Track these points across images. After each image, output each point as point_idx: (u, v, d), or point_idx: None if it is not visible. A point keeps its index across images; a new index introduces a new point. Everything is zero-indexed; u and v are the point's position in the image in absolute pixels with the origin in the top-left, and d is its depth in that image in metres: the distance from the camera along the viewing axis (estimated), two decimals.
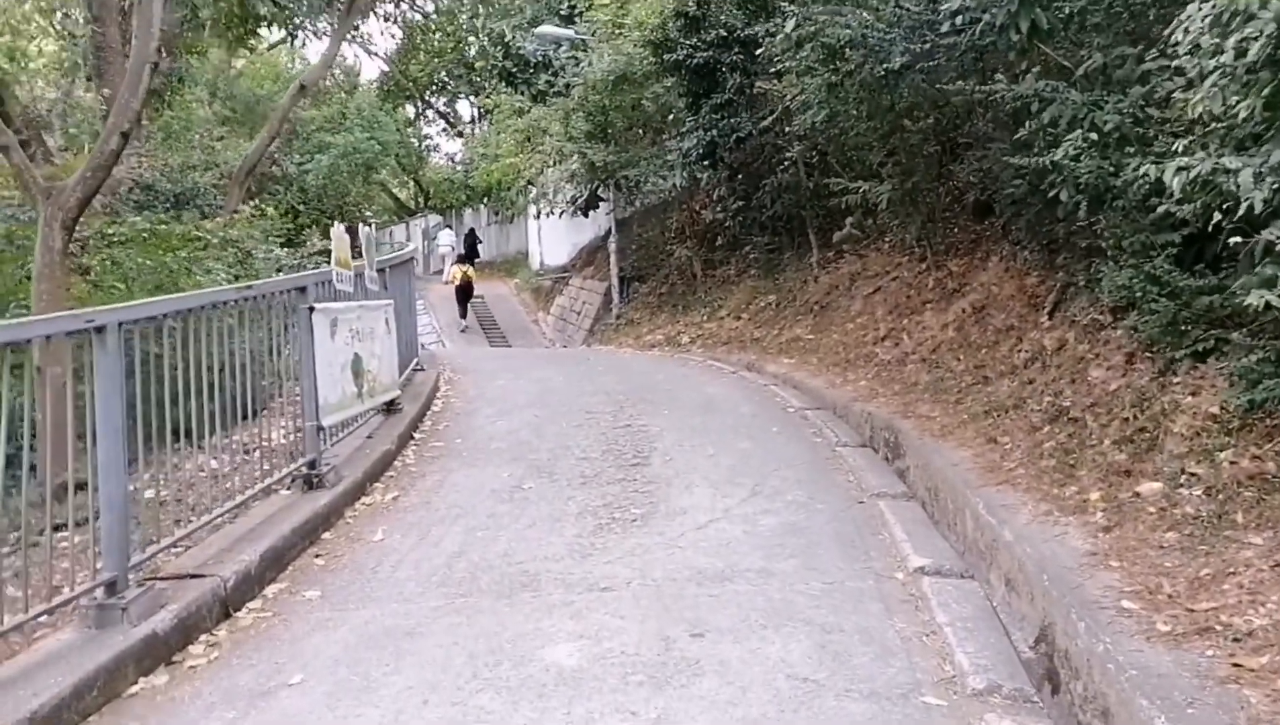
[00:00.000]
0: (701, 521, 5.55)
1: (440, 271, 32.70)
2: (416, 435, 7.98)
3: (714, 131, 14.06)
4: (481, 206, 37.52)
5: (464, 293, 24.79)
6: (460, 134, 38.58)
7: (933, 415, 7.23)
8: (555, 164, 20.47)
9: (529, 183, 22.95)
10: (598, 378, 10.56)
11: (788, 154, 13.53)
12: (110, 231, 8.38)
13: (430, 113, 45.39)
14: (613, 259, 19.70)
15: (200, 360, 5.00)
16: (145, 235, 8.64)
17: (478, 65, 27.19)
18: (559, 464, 6.93)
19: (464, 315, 25.13)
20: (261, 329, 6.05)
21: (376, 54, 38.97)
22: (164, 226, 9.21)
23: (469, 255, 29.16)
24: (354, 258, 7.61)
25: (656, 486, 6.25)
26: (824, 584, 4.55)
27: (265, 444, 5.96)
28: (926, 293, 10.06)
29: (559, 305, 23.53)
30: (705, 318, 15.67)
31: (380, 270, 8.22)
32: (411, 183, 47.89)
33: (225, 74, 27.59)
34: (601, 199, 20.24)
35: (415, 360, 10.22)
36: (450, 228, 35.50)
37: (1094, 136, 5.78)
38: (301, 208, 33.09)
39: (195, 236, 9.21)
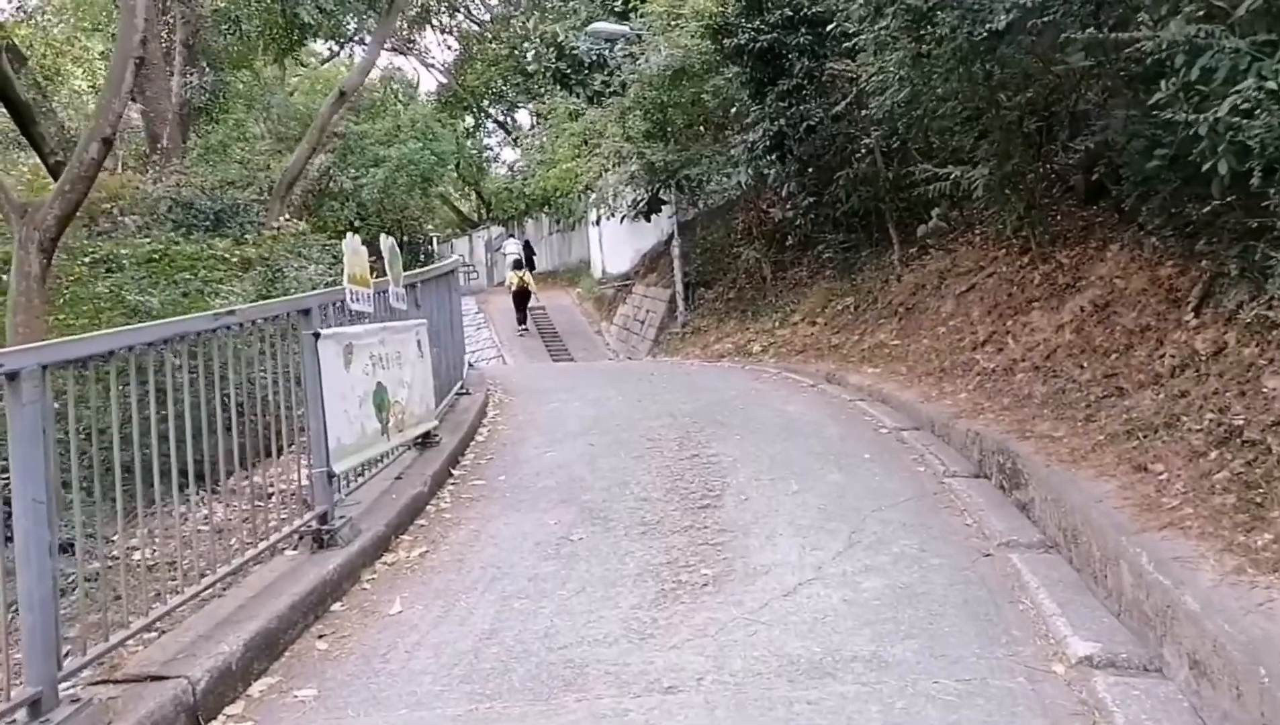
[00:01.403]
0: (789, 584, 4.47)
1: (504, 282, 32.11)
2: (455, 472, 7.01)
3: (781, 121, 12.96)
4: (542, 216, 36.80)
5: (521, 298, 24.66)
6: (516, 142, 37.92)
7: (1057, 435, 6.06)
8: (614, 167, 19.55)
9: (587, 188, 22.07)
10: (661, 396, 9.51)
11: (863, 142, 12.37)
12: (113, 253, 7.63)
13: (489, 123, 44.88)
14: (676, 264, 18.67)
15: (187, 397, 4.07)
16: (155, 256, 7.87)
17: (532, 70, 26.38)
18: (615, 506, 5.89)
19: (521, 321, 24.92)
20: (265, 361, 5.12)
21: (434, 66, 38.44)
22: (176, 246, 8.43)
23: (529, 265, 28.81)
24: (380, 273, 6.68)
25: (731, 536, 5.18)
26: (959, 684, 3.44)
27: (266, 496, 5.04)
28: (1032, 290, 8.83)
29: (622, 314, 22.57)
30: (777, 324, 14.55)
31: (410, 285, 7.28)
32: (473, 194, 47.41)
33: (278, 90, 27.18)
34: (663, 202, 19.27)
35: (460, 383, 9.28)
36: (514, 237, 34.81)
37: (1273, 87, 4.58)
38: (359, 223, 32.74)
39: (210, 256, 8.42)
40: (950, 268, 10.98)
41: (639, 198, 19.52)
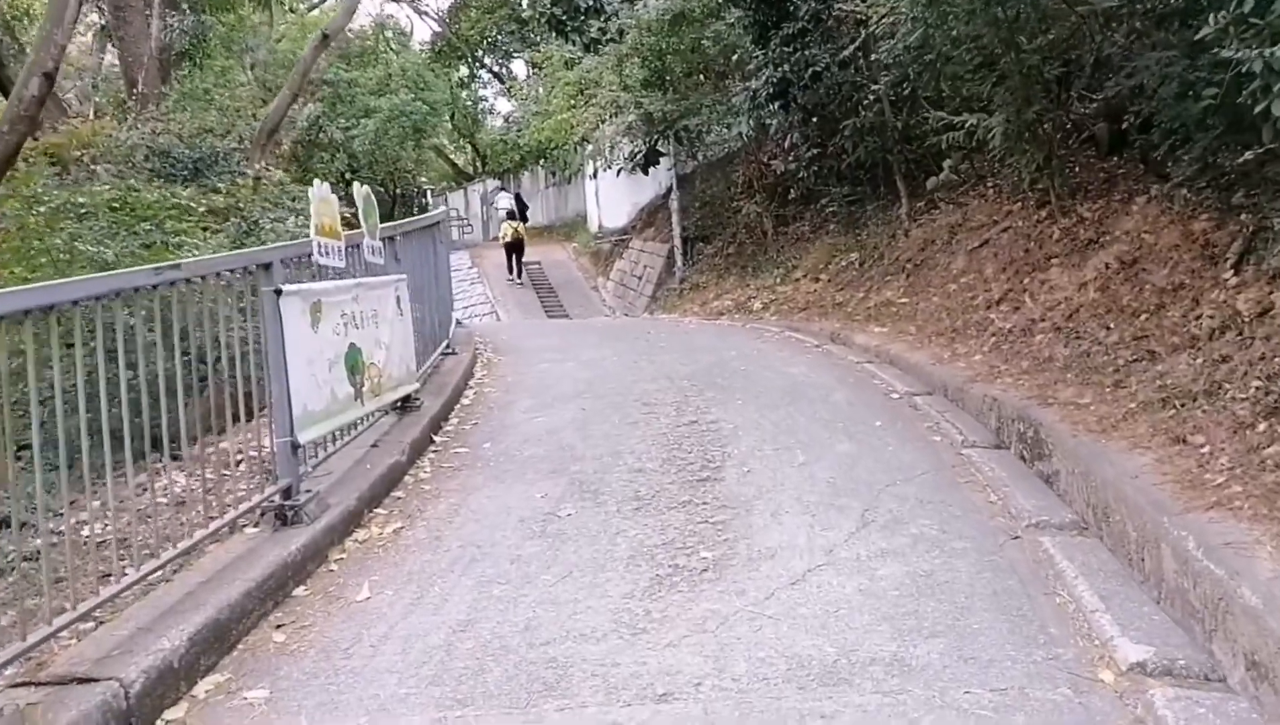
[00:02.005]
0: (797, 571, 4.03)
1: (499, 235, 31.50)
2: (437, 438, 6.55)
3: (785, 67, 12.36)
4: (538, 169, 36.07)
5: (513, 249, 24.40)
6: (511, 92, 37.04)
7: (1083, 402, 5.62)
8: (610, 117, 18.92)
9: (583, 140, 21.44)
10: (658, 356, 9.04)
11: (871, 90, 11.80)
12: (71, 201, 7.12)
13: (484, 73, 43.92)
14: (674, 218, 18.13)
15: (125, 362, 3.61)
16: (115, 205, 7.36)
17: (527, 17, 25.61)
18: (607, 478, 5.45)
19: (515, 272, 24.66)
20: (229, 319, 4.64)
21: (427, 13, 37.45)
22: (136, 194, 7.90)
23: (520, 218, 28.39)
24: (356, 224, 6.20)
25: (733, 513, 4.74)
26: (994, 695, 3.00)
27: (236, 463, 4.59)
28: (1051, 245, 8.34)
29: (619, 270, 22.04)
30: (778, 280, 14.06)
31: (389, 238, 6.78)
32: (468, 147, 46.54)
33: (265, 37, 26.37)
34: (661, 154, 18.68)
35: (446, 342, 8.80)
36: (505, 190, 34.09)
37: None
38: (350, 175, 32.06)
39: (174, 205, 7.89)
40: (961, 222, 10.47)
41: (636, 150, 18.93)
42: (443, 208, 10.74)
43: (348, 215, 6.27)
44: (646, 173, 20.29)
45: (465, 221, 37.29)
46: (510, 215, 24.99)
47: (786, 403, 6.85)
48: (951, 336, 8.37)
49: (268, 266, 4.77)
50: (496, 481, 5.60)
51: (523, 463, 5.90)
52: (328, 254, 5.44)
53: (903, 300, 10.25)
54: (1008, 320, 7.89)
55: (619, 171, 20.94)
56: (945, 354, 7.91)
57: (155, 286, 3.97)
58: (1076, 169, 9.25)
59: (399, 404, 6.64)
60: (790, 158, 14.21)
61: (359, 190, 6.13)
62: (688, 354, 9.07)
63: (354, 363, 5.64)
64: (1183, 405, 5.01)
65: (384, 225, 6.79)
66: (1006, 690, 3.01)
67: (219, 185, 9.99)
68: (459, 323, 10.69)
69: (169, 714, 3.38)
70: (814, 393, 7.14)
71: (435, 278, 8.59)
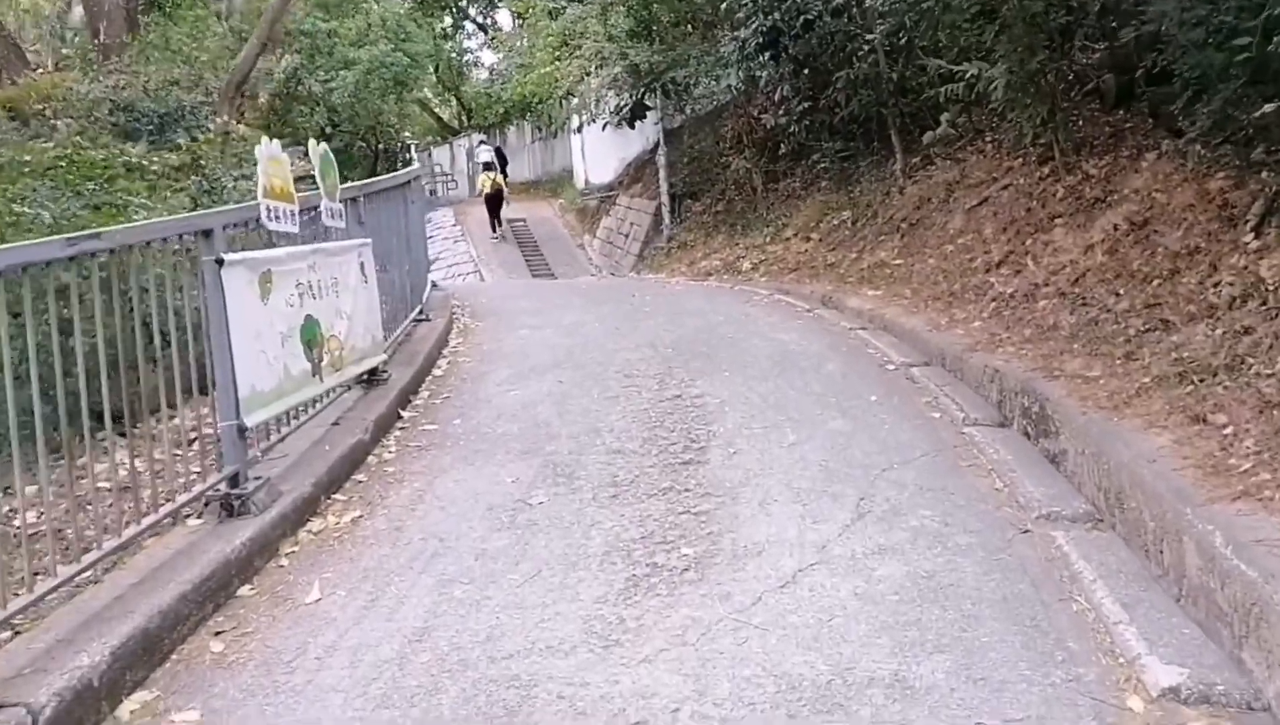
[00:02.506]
0: (787, 571, 3.67)
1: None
2: (405, 414, 6.17)
3: (775, 16, 11.87)
4: (524, 123, 35.35)
5: (493, 202, 23.86)
6: (495, 43, 36.21)
7: (1091, 375, 5.26)
8: (595, 70, 18.37)
9: (568, 93, 20.88)
10: (642, 322, 8.65)
11: (865, 39, 11.31)
12: (15, 159, 6.65)
13: (468, 24, 43.01)
14: (662, 174, 17.64)
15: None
16: (60, 163, 6.88)
17: None
18: (584, 460, 5.07)
19: (495, 225, 24.22)
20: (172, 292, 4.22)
21: None
22: (84, 152, 7.42)
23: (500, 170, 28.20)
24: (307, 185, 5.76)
25: (717, 502, 4.37)
26: None
27: (188, 442, 4.20)
28: (1055, 204, 7.94)
29: (605, 227, 21.55)
30: (768, 239, 13.63)
31: (350, 199, 6.34)
32: (453, 100, 45.66)
33: None
34: (648, 107, 18.14)
35: (419, 308, 8.39)
36: (486, 143, 33.41)
37: None
38: (330, 130, 31.32)
39: (121, 163, 7.41)
40: (959, 179, 10.05)
41: (623, 103, 18.38)
42: (416, 165, 10.22)
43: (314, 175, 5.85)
44: (633, 127, 19.76)
45: (450, 177, 36.64)
46: (488, 166, 24.41)
47: (776, 374, 6.47)
48: (949, 301, 7.99)
49: (208, 233, 4.35)
50: (465, 463, 5.22)
51: (495, 442, 5.52)
52: (279, 218, 5.01)
53: (897, 261, 9.85)
54: (1008, 284, 7.51)
55: (605, 126, 20.39)
56: (942, 320, 7.54)
57: (72, 259, 3.54)
58: (1080, 123, 8.83)
59: (364, 377, 6.25)
60: (781, 111, 13.73)
61: (314, 147, 5.68)
62: (673, 319, 8.68)
63: (311, 336, 5.25)
64: (1201, 381, 4.65)
65: (348, 185, 6.36)
66: (1022, 722, 2.66)
67: (179, 141, 9.48)
68: (435, 286, 10.26)
69: None
70: (805, 362, 6.76)
71: (406, 240, 8.16)
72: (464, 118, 44.91)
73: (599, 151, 24.16)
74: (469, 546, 4.15)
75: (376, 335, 6.36)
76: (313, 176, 5.96)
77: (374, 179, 7.75)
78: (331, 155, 5.89)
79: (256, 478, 4.49)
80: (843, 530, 3.97)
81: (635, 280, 14.83)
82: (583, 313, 9.32)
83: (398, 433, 5.84)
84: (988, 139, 10.52)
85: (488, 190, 23.73)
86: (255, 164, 5.17)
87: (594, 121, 19.80)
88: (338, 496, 4.88)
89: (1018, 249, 7.94)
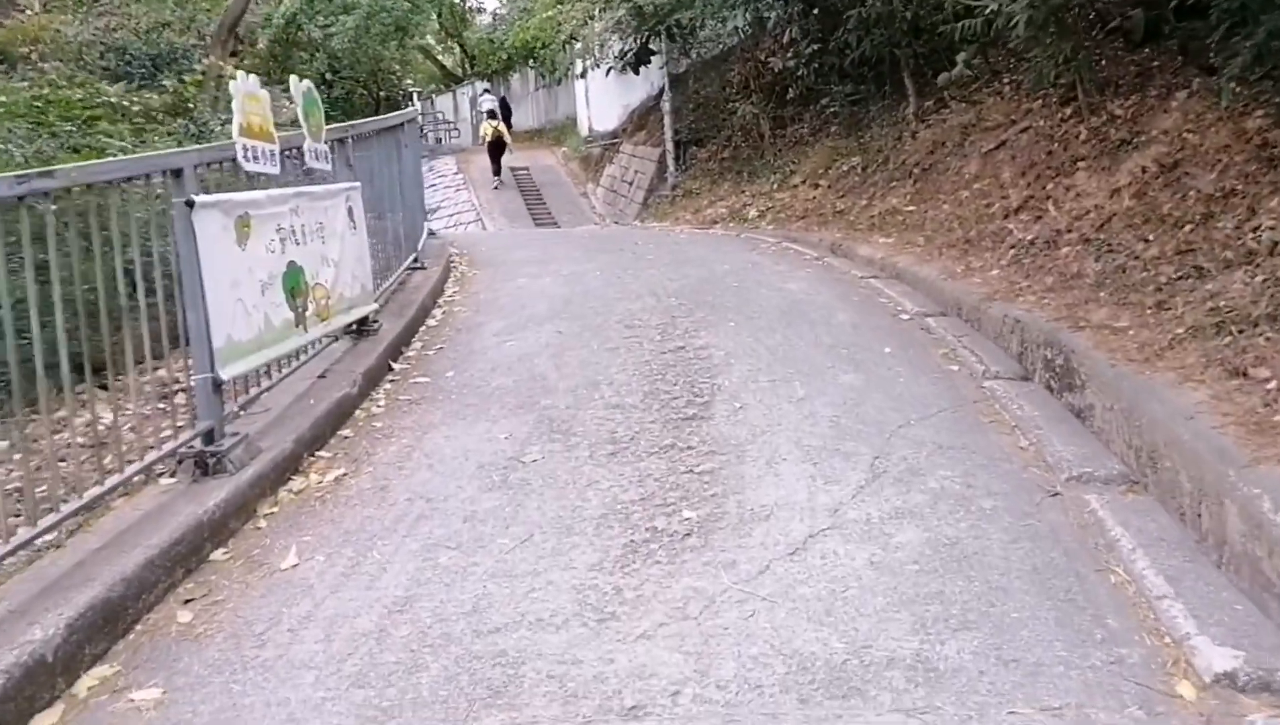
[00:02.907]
0: (797, 536, 3.40)
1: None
2: (396, 366, 5.89)
3: None
4: (528, 70, 34.68)
5: (495, 149, 23.81)
6: None
7: (1119, 326, 4.97)
8: (599, 13, 17.85)
9: (571, 38, 20.34)
10: (645, 271, 8.33)
11: None
12: None
13: None
14: (666, 120, 17.19)
15: None
16: (37, 104, 6.55)
17: None
18: (581, 415, 4.80)
19: (497, 172, 24.08)
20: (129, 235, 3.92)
21: None
22: (61, 91, 7.08)
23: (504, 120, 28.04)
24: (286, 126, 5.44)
25: (721, 461, 4.10)
26: (1046, 716, 2.39)
27: (168, 396, 3.93)
28: (1077, 146, 7.58)
29: (609, 175, 21.12)
30: (775, 186, 13.25)
31: (338, 140, 6.01)
32: (456, 47, 44.85)
33: None
34: (653, 52, 17.64)
35: (414, 256, 8.08)
36: (490, 92, 32.79)
37: None
38: (332, 77, 30.78)
39: (101, 104, 7.07)
40: (975, 122, 9.66)
41: (626, 48, 17.88)
42: (414, 106, 9.84)
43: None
44: (637, 72, 19.26)
45: (452, 126, 36.06)
46: (490, 114, 24.49)
47: (784, 325, 6.17)
48: (964, 248, 7.67)
49: (177, 173, 4.04)
50: (457, 418, 4.95)
51: (488, 395, 5.24)
52: (257, 158, 4.70)
53: (909, 208, 9.50)
54: (1028, 230, 7.18)
55: (608, 71, 19.89)
56: (958, 268, 7.22)
57: (21, 199, 3.24)
58: (1103, 62, 8.42)
59: (354, 327, 5.98)
60: (789, 54, 13.28)
61: (297, 85, 5.34)
62: (676, 268, 8.36)
63: (294, 283, 4.96)
64: (1240, 331, 4.36)
65: (334, 126, 6.03)
66: (1061, 711, 2.40)
67: (165, 84, 9.12)
68: (432, 233, 9.94)
69: (40, 719, 2.78)
70: (814, 313, 6.45)
71: (400, 186, 7.83)
72: (467, 65, 44.15)
73: (603, 98, 23.63)
74: (457, 508, 3.89)
75: (366, 284, 6.07)
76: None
77: (364, 120, 7.40)
78: (315, 94, 5.55)
79: (234, 434, 4.23)
80: (856, 492, 3.70)
81: (639, 229, 14.48)
82: (583, 262, 9.01)
83: (387, 386, 5.57)
84: (1005, 80, 10.11)
85: (490, 138, 23.70)
86: (228, 105, 4.87)
87: (597, 67, 19.30)
88: (322, 453, 4.62)
89: (1038, 194, 7.59)
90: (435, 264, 8.42)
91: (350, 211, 5.89)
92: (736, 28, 14.03)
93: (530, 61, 32.13)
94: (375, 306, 6.22)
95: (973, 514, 3.46)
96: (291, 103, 5.89)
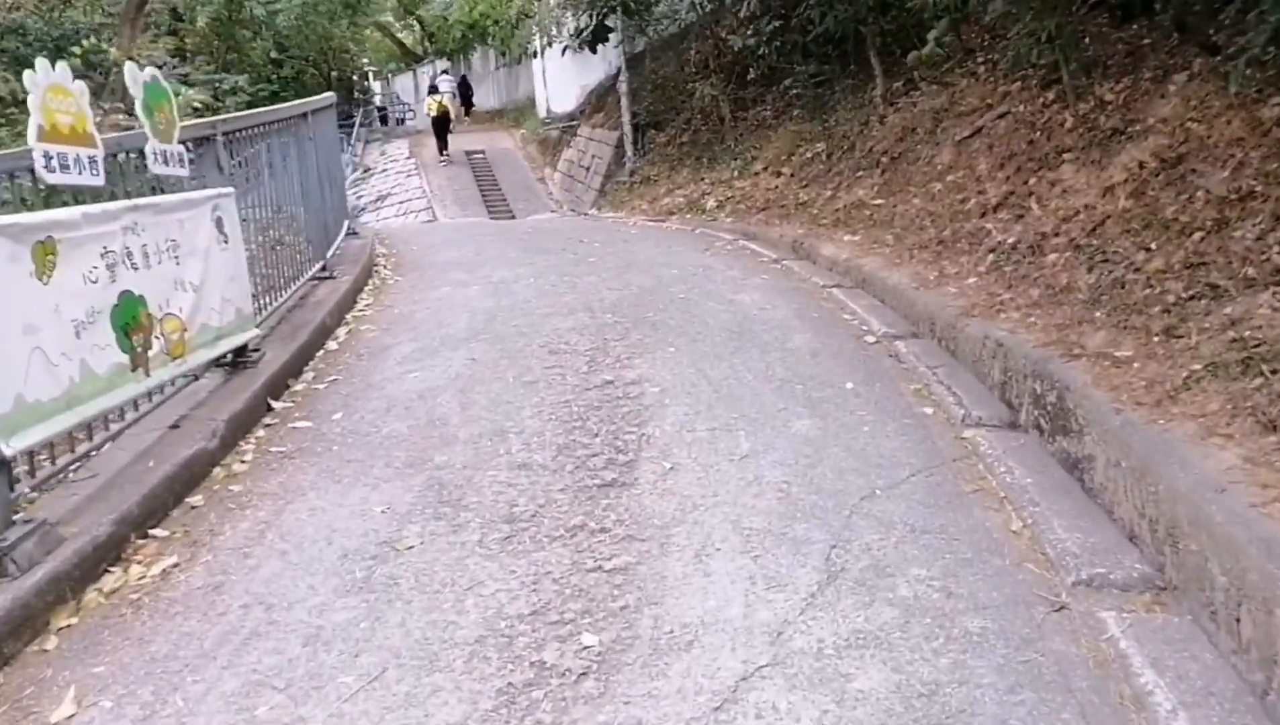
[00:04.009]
0: (726, 679, 2.57)
1: None
2: (278, 405, 5.01)
3: None
4: (489, 49, 33.55)
5: (440, 124, 24.12)
6: None
7: (1122, 355, 4.20)
8: None
9: (523, 14, 19.36)
10: (584, 276, 7.47)
11: None
12: None
13: None
14: (624, 103, 16.27)
15: None
16: None
17: None
18: (479, 478, 3.94)
19: (442, 149, 24.21)
20: None
21: None
22: None
23: (465, 105, 29.36)
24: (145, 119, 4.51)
25: (641, 551, 3.26)
26: None
27: None
28: (1062, 136, 6.77)
29: (566, 160, 20.18)
30: (736, 174, 12.41)
31: (201, 139, 5.09)
32: (415, 24, 43.54)
33: None
34: (610, 29, 16.68)
35: (321, 264, 7.16)
36: (450, 74, 31.69)
37: None
38: (280, 56, 29.58)
39: None
40: (948, 106, 8.84)
41: (582, 25, 16.91)
42: (372, 86, 8.80)
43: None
44: (595, 51, 18.32)
45: (408, 107, 34.91)
46: (433, 90, 25.06)
47: (732, 350, 5.32)
48: (938, 250, 6.86)
49: None
50: (332, 480, 4.08)
51: (375, 447, 4.37)
52: (68, 167, 3.79)
53: (877, 201, 8.69)
54: (1009, 231, 6.37)
55: (564, 50, 18.93)
56: (931, 274, 6.42)
57: None
58: (1087, 40, 7.62)
59: (228, 359, 5.09)
60: (749, 32, 12.39)
61: (133, 72, 4.39)
62: (620, 274, 7.50)
63: (130, 318, 4.07)
64: (1274, 371, 3.58)
65: (197, 122, 5.10)
66: None
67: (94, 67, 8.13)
68: (354, 233, 9.01)
69: None
70: (768, 334, 5.61)
71: (303, 186, 6.90)
72: (427, 44, 42.87)
73: (561, 79, 22.65)
74: (301, 621, 3.04)
75: (244, 306, 5.17)
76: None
77: (248, 112, 6.45)
78: (164, 85, 4.62)
79: (27, 522, 3.34)
80: (807, 603, 2.87)
81: (589, 221, 13.57)
82: (518, 265, 8.12)
83: (261, 433, 4.69)
84: (979, 60, 9.29)
85: (434, 113, 23.98)
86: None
87: (551, 46, 18.35)
88: (156, 532, 3.74)
89: (1019, 189, 6.79)
90: (351, 271, 7.51)
91: (220, 223, 4.99)
92: (694, 3, 13.14)
93: (487, 39, 31.05)
94: (257, 332, 5.33)
95: (956, 642, 2.64)
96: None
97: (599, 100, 19.74)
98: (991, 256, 6.23)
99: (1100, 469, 3.73)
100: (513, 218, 18.54)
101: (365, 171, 26.12)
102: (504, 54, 31.31)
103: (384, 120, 36.88)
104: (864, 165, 9.64)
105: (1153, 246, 4.99)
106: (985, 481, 3.63)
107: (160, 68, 13.04)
